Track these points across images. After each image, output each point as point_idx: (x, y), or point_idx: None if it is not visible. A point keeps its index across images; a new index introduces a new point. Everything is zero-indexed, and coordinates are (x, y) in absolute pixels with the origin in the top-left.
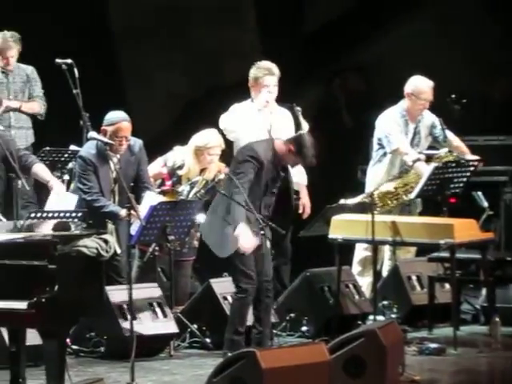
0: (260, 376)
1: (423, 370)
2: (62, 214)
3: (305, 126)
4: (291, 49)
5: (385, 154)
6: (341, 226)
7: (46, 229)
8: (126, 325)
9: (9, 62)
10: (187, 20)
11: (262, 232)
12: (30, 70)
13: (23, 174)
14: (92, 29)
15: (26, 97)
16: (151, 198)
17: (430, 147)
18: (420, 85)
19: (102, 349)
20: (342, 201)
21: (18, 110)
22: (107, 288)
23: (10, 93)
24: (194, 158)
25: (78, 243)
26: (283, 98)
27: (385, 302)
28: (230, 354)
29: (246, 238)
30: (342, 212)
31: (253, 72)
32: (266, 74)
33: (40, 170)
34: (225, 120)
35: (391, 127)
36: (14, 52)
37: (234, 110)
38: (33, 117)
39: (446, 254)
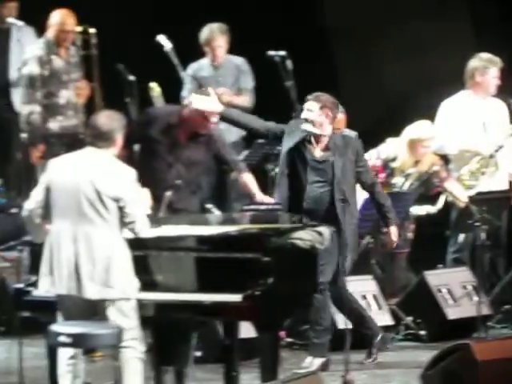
0: (475, 368)
1: None
2: (276, 207)
3: None
4: (507, 40)
5: None
6: None
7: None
8: (340, 317)
9: (216, 52)
10: (403, 10)
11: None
12: (240, 61)
13: None
14: (306, 19)
15: (235, 90)
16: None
17: None
18: None
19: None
20: None
21: (227, 104)
22: None
23: (218, 86)
24: (408, 151)
25: (292, 236)
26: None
27: None
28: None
29: None
30: None
31: (476, 63)
32: (491, 66)
33: (248, 180)
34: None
35: None
36: (220, 41)
37: (442, 107)
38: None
39: None
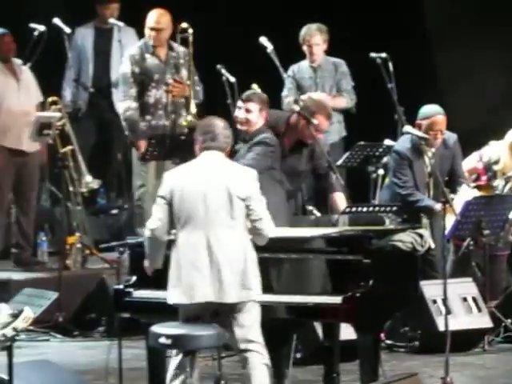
0: None
1: None
2: (376, 209)
3: None
4: None
5: None
6: None
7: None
8: (440, 319)
9: (313, 50)
10: (503, 15)
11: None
12: (338, 63)
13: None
14: (408, 22)
15: (333, 91)
16: (466, 193)
17: None
18: None
19: (417, 343)
20: None
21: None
22: (422, 282)
23: (317, 88)
24: (510, 154)
25: (393, 238)
26: None
27: None
28: None
29: None
30: None
31: None
32: None
33: (339, 199)
34: None
35: None
36: (317, 39)
37: None
38: (344, 110)
39: None
